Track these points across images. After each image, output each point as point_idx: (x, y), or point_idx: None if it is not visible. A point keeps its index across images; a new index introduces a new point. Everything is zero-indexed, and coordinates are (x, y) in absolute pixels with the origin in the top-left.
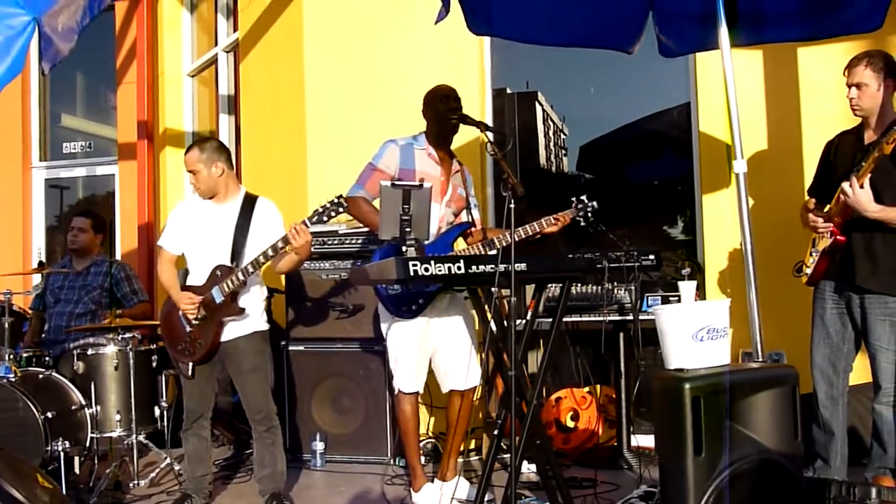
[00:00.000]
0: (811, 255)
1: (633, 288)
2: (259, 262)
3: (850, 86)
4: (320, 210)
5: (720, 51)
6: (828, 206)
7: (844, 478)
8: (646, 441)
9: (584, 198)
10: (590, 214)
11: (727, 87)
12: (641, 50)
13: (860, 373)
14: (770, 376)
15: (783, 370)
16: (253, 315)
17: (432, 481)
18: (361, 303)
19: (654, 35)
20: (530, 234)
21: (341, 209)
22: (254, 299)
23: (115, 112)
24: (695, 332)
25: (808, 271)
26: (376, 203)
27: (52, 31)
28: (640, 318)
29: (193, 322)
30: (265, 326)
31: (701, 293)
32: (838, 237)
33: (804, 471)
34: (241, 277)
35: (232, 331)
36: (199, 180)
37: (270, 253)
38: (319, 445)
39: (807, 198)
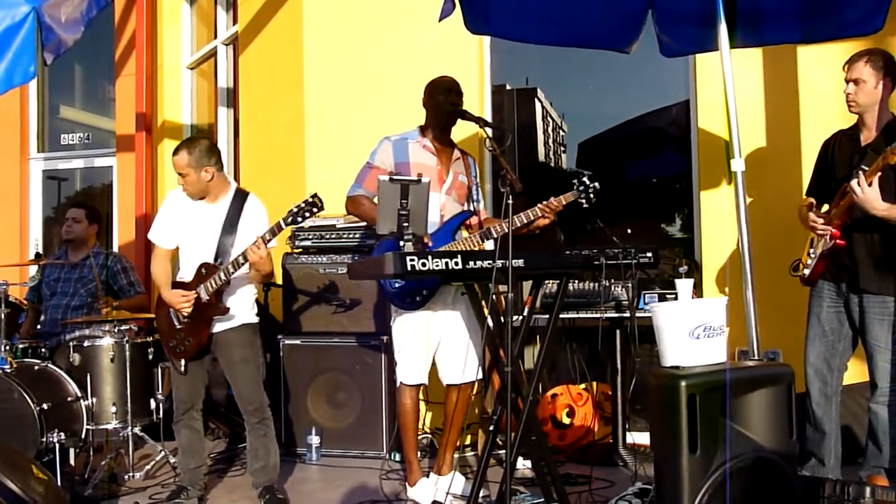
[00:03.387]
0: (809, 255)
1: (630, 285)
2: (239, 262)
3: (847, 81)
4: (294, 210)
5: (719, 50)
6: (826, 207)
7: (839, 476)
8: (641, 438)
9: (585, 179)
10: (592, 195)
11: (726, 86)
12: (641, 47)
13: (855, 372)
14: (766, 374)
15: (779, 369)
16: (242, 308)
17: (428, 476)
18: (358, 297)
19: (655, 34)
20: (525, 221)
21: (315, 209)
22: (242, 294)
23: (114, 104)
24: (691, 330)
25: (806, 272)
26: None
27: (54, 22)
28: (637, 315)
29: (183, 319)
30: (254, 319)
31: (698, 291)
32: (838, 241)
33: (799, 469)
34: (223, 277)
35: (221, 323)
36: (188, 183)
37: (241, 260)
38: (315, 440)
39: (804, 198)
